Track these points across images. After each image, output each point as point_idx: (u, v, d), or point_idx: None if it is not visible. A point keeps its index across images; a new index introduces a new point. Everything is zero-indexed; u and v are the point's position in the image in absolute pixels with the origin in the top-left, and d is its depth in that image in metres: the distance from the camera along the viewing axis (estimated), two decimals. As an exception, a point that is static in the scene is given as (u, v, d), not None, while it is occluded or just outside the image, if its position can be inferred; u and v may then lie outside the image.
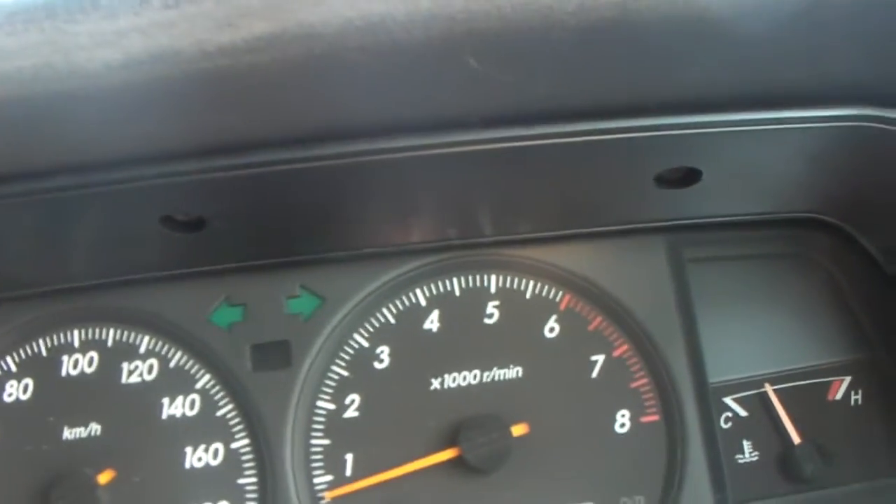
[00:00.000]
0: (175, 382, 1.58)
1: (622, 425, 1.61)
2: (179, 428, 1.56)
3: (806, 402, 1.67)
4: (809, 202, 1.60)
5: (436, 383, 1.60)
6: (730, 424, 1.65)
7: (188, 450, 1.55)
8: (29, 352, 1.57)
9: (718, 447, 1.59)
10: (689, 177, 1.43)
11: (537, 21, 1.00)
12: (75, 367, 1.57)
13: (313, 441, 1.57)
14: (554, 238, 1.63)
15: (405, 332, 1.62)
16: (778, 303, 1.71)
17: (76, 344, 1.58)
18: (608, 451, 1.59)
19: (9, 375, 1.56)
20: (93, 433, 1.54)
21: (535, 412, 1.59)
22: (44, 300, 1.57)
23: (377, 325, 1.61)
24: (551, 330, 1.63)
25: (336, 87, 1.07)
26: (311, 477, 1.56)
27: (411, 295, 1.63)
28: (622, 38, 1.05)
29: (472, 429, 1.55)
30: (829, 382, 1.68)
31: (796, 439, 1.63)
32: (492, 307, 1.63)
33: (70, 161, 1.14)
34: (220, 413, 1.57)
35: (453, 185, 1.39)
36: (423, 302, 1.63)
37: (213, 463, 1.55)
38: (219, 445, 1.56)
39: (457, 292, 1.64)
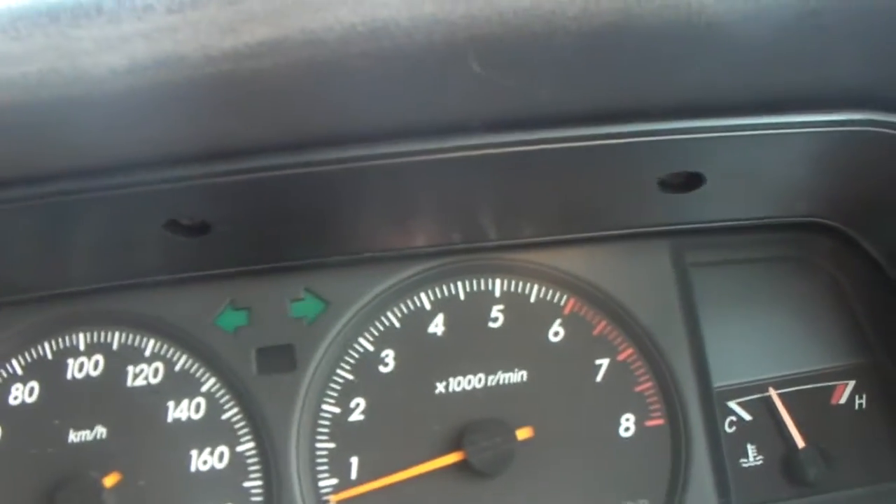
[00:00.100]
0: (180, 386, 1.58)
1: (627, 429, 1.61)
2: (185, 431, 1.56)
3: (810, 406, 1.67)
4: (812, 206, 1.60)
5: (440, 387, 1.60)
6: (734, 428, 1.65)
7: (193, 453, 1.56)
8: (34, 355, 1.58)
9: (723, 451, 1.60)
10: (692, 181, 1.43)
11: (540, 26, 1.01)
12: (81, 370, 1.57)
13: (318, 444, 1.57)
14: (558, 242, 1.63)
15: (410, 336, 1.62)
16: (781, 307, 1.71)
17: (82, 347, 1.58)
18: (613, 455, 1.60)
19: (14, 378, 1.57)
20: (98, 436, 1.54)
21: (539, 416, 1.59)
22: (49, 303, 1.57)
23: (382, 328, 1.62)
24: (556, 334, 1.63)
25: (339, 92, 1.07)
26: (316, 480, 1.56)
27: (416, 299, 1.63)
28: (625, 43, 1.05)
29: (476, 432, 1.55)
30: (833, 386, 1.68)
31: (800, 443, 1.63)
32: (496, 311, 1.63)
33: (75, 166, 1.15)
34: (225, 416, 1.57)
35: (457, 189, 1.39)
36: (427, 306, 1.63)
37: (219, 466, 1.56)
38: (224, 449, 1.56)
39: (461, 296, 1.64)
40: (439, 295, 1.63)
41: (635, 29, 1.03)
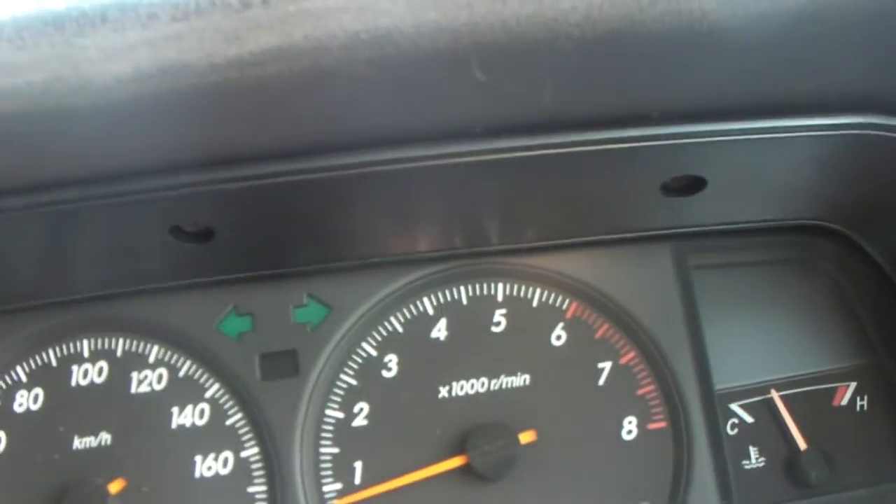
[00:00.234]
0: (184, 392, 1.58)
1: (629, 432, 1.61)
2: (189, 437, 1.57)
3: (812, 407, 1.67)
4: (814, 209, 1.60)
5: (443, 391, 1.60)
6: (736, 431, 1.66)
7: (198, 458, 1.56)
8: (39, 362, 1.58)
9: (725, 453, 1.60)
10: (695, 185, 1.44)
11: (542, 33, 1.01)
12: (85, 376, 1.57)
13: (322, 449, 1.58)
14: (560, 246, 1.63)
15: (413, 341, 1.62)
16: (783, 309, 1.71)
17: (86, 354, 1.58)
18: (615, 458, 1.60)
19: (19, 385, 1.57)
20: (103, 443, 1.55)
21: (542, 420, 1.60)
22: (53, 310, 1.57)
23: (385, 333, 1.62)
24: (558, 338, 1.63)
25: (343, 99, 1.08)
26: (320, 485, 1.57)
27: (419, 303, 1.63)
28: (627, 49, 1.05)
29: (479, 436, 1.56)
30: (835, 388, 1.69)
31: (802, 445, 1.63)
32: (499, 315, 1.64)
33: (80, 173, 1.15)
34: (229, 422, 1.58)
35: (460, 194, 1.39)
36: (430, 310, 1.63)
37: (223, 472, 1.56)
38: (228, 454, 1.57)
39: (464, 301, 1.64)
40: (442, 300, 1.64)
41: (638, 35, 1.03)
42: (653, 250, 1.65)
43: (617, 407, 1.62)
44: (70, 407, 1.57)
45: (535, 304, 1.65)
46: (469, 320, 1.64)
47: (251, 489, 1.56)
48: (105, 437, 1.55)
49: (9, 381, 1.57)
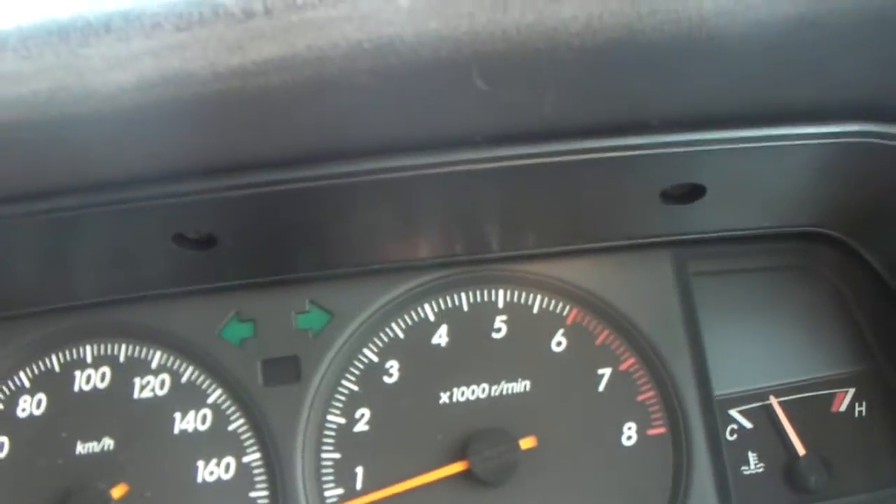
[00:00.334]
0: (187, 397, 1.59)
1: (629, 438, 1.61)
2: (191, 442, 1.57)
3: (810, 413, 1.67)
4: (813, 216, 1.61)
5: (444, 397, 1.61)
6: (735, 436, 1.66)
7: (200, 464, 1.56)
8: (42, 367, 1.59)
9: (724, 459, 1.60)
10: (694, 192, 1.44)
11: (543, 43, 1.01)
12: (88, 382, 1.58)
13: (324, 455, 1.58)
14: (561, 253, 1.64)
15: (414, 347, 1.63)
16: (782, 315, 1.72)
17: (89, 359, 1.59)
18: (615, 464, 1.60)
19: (22, 391, 1.58)
20: (106, 448, 1.55)
21: (542, 425, 1.60)
22: (57, 316, 1.58)
23: (386, 339, 1.63)
24: (558, 344, 1.64)
25: (345, 108, 1.08)
26: (321, 490, 1.57)
27: (420, 310, 1.64)
28: (627, 57, 1.06)
29: (480, 442, 1.56)
30: (834, 394, 1.69)
31: (801, 451, 1.64)
32: (499, 321, 1.64)
33: (84, 181, 1.16)
34: (231, 427, 1.58)
35: (461, 201, 1.40)
36: (431, 317, 1.64)
37: (225, 477, 1.56)
38: (230, 459, 1.57)
39: (465, 307, 1.65)
40: (443, 306, 1.64)
41: (637, 44, 1.04)
42: (653, 257, 1.66)
43: (617, 413, 1.63)
44: (73, 412, 1.57)
45: (535, 310, 1.66)
46: (470, 326, 1.64)
47: (253, 494, 1.56)
48: (108, 443, 1.55)
49: (12, 387, 1.58)
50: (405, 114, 1.12)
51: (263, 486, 1.57)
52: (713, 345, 1.65)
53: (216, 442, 1.58)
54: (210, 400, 1.59)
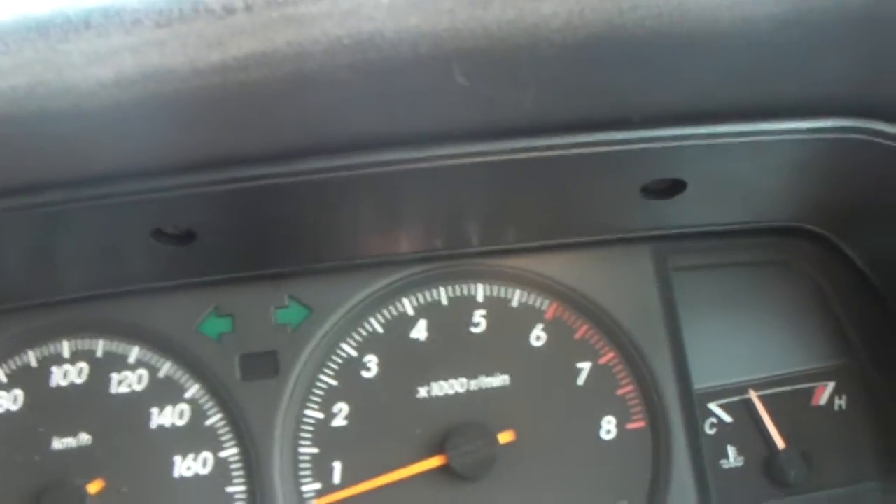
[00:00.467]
0: (164, 392, 1.58)
1: (608, 432, 1.62)
2: (169, 437, 1.56)
3: (790, 407, 1.68)
4: (794, 211, 1.61)
5: (423, 391, 1.61)
6: (715, 430, 1.66)
7: (177, 459, 1.56)
8: (19, 363, 1.57)
9: (703, 453, 1.60)
10: (675, 187, 1.44)
11: (524, 39, 1.01)
12: (65, 377, 1.57)
13: (301, 449, 1.58)
14: (540, 248, 1.64)
15: (393, 342, 1.62)
16: (762, 310, 1.72)
17: (66, 355, 1.58)
18: (594, 458, 1.60)
19: (-2, 386, 1.57)
20: (82, 443, 1.54)
21: (521, 420, 1.60)
22: (34, 312, 1.57)
23: (365, 334, 1.62)
24: (538, 338, 1.64)
25: (325, 104, 1.07)
26: (299, 485, 1.57)
27: (398, 304, 1.64)
28: (608, 53, 1.05)
29: (458, 437, 1.56)
30: (813, 388, 1.69)
31: (781, 444, 1.64)
32: (479, 316, 1.64)
33: (62, 176, 1.15)
34: (209, 422, 1.58)
35: (441, 196, 1.39)
36: (410, 311, 1.64)
37: (203, 472, 1.56)
38: (208, 454, 1.56)
39: (444, 301, 1.65)
40: (422, 300, 1.64)
41: (618, 39, 1.03)
42: (633, 252, 1.66)
43: (596, 407, 1.63)
44: (50, 408, 1.56)
45: (514, 304, 1.66)
46: (449, 321, 1.64)
47: (230, 489, 1.56)
48: (84, 438, 1.54)
49: (-12, 383, 1.57)
50: (385, 109, 1.12)
51: (241, 480, 1.56)
52: (693, 339, 1.66)
53: (193, 437, 1.57)
54: (188, 395, 1.58)
